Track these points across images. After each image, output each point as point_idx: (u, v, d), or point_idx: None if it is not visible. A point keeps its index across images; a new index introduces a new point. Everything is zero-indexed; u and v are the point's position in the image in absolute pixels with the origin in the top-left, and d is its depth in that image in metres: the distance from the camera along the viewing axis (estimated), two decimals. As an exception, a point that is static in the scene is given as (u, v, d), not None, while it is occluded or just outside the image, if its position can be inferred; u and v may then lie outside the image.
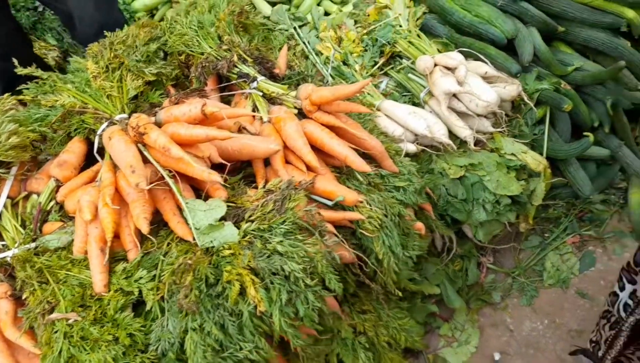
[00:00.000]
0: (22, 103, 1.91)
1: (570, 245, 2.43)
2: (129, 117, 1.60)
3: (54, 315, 1.34)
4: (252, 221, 1.38)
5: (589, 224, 2.48)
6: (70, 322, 1.34)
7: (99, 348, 1.31)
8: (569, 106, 2.07)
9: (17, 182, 1.72)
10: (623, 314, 1.66)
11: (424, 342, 2.40)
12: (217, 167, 1.55)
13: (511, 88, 2.09)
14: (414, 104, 2.21)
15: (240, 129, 1.66)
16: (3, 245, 1.61)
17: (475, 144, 2.11)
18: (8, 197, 1.68)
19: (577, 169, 2.26)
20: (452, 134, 2.08)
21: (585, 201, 2.44)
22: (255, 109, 1.75)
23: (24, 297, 1.45)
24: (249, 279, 1.29)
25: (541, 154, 2.20)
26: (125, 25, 2.20)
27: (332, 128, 1.71)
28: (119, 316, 1.35)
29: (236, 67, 1.84)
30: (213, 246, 1.34)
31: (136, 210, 1.33)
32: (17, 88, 1.84)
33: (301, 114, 1.74)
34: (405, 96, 2.26)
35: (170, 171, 1.39)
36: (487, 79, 2.16)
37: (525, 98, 2.14)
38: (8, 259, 1.55)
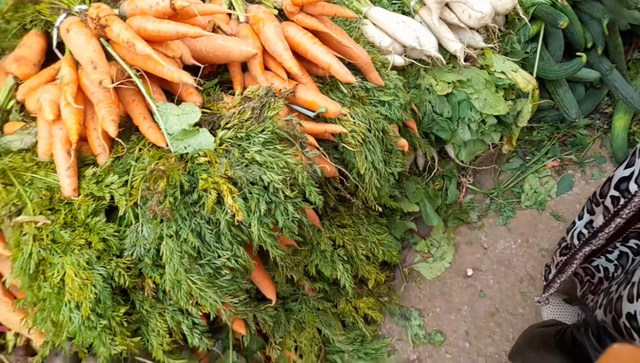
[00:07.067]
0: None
1: (550, 169, 2.44)
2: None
3: (20, 218, 1.28)
4: (229, 129, 1.31)
5: (570, 149, 2.46)
6: (39, 224, 1.29)
7: (71, 251, 1.27)
8: (564, 22, 1.96)
9: (-29, 77, 1.58)
10: (575, 241, 1.64)
11: (401, 256, 2.46)
12: (190, 70, 1.44)
13: (506, 0, 1.96)
14: (404, 13, 2.07)
15: (215, 29, 1.53)
16: (-37, 145, 1.51)
17: (464, 60, 2.01)
18: (-37, 94, 1.55)
19: (566, 92, 2.20)
20: (441, 48, 1.98)
21: (569, 125, 2.40)
22: (231, 7, 1.61)
23: (-12, 200, 1.38)
24: (227, 188, 1.24)
25: (531, 73, 2.12)
26: None
27: (315, 33, 1.59)
28: (91, 221, 1.30)
29: (212, -42, 1.66)
30: (187, 153, 1.27)
31: (102, 111, 1.23)
32: None
33: (282, 16, 1.60)
34: (395, 4, 2.11)
35: (137, 71, 1.28)
36: (483, -11, 2.02)
37: (521, 12, 2.03)
38: (-31, 160, 1.46)
